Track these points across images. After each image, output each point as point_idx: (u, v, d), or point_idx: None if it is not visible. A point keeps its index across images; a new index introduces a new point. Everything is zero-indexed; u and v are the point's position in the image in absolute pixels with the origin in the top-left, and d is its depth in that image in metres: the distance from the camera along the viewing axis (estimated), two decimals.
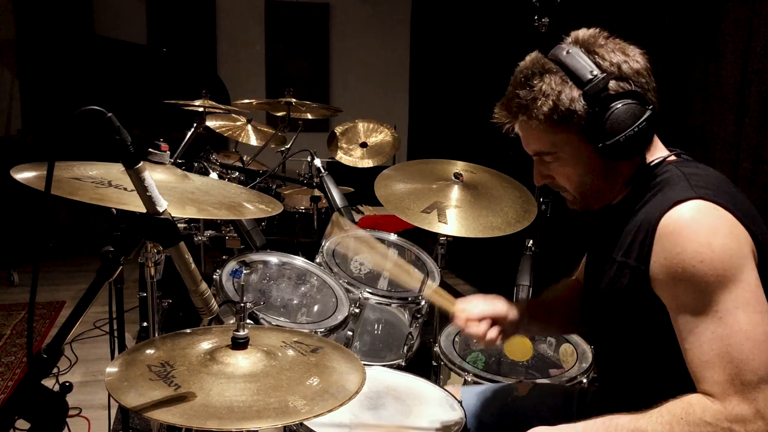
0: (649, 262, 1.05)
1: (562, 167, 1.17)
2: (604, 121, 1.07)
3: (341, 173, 3.24)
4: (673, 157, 1.16)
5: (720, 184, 1.08)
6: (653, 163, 1.15)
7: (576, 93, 1.09)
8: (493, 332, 1.34)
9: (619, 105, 1.07)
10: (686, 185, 1.06)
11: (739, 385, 0.97)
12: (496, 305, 1.36)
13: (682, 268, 1.00)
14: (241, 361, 1.07)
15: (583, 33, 1.15)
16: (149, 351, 1.13)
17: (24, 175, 1.11)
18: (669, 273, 1.03)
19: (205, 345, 1.14)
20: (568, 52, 1.10)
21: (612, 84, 1.08)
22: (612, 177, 1.17)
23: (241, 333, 1.10)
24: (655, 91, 1.13)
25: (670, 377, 1.06)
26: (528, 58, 1.17)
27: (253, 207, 1.32)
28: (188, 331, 1.23)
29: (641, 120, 1.08)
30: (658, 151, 1.18)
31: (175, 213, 1.03)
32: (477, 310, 1.34)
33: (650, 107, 1.09)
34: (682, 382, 1.03)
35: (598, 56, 1.10)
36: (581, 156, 1.14)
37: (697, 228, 1.01)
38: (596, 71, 1.08)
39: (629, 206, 1.15)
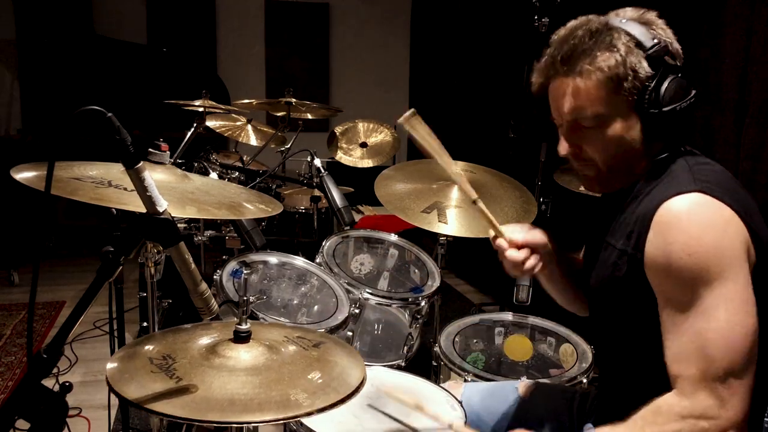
0: (644, 250, 1.06)
1: (600, 134, 1.10)
2: (659, 89, 1.05)
3: (341, 173, 3.24)
4: (681, 150, 1.15)
5: (725, 179, 1.08)
6: (662, 156, 1.14)
7: (641, 56, 1.06)
8: (533, 260, 1.24)
9: (673, 78, 1.06)
10: (689, 177, 1.06)
11: (709, 380, 0.98)
12: (536, 235, 1.27)
13: (671, 260, 1.00)
14: (243, 355, 1.07)
15: (634, 9, 1.13)
16: (150, 345, 1.13)
17: (24, 175, 1.11)
18: (658, 263, 1.03)
19: (207, 339, 1.14)
20: (625, 21, 1.09)
21: (667, 58, 1.08)
22: (645, 156, 1.13)
23: (243, 327, 1.10)
24: None
25: (665, 370, 1.06)
26: (581, 19, 1.13)
27: (253, 207, 1.32)
28: (189, 326, 1.23)
29: (690, 97, 1.07)
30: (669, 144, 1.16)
31: (175, 213, 1.03)
32: (520, 237, 1.25)
33: (695, 90, 1.08)
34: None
35: (653, 29, 1.09)
36: (629, 124, 1.09)
37: (691, 221, 1.00)
38: (657, 39, 1.07)
39: (636, 194, 1.14)
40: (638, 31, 1.07)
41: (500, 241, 1.26)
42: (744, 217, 1.01)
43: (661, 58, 1.06)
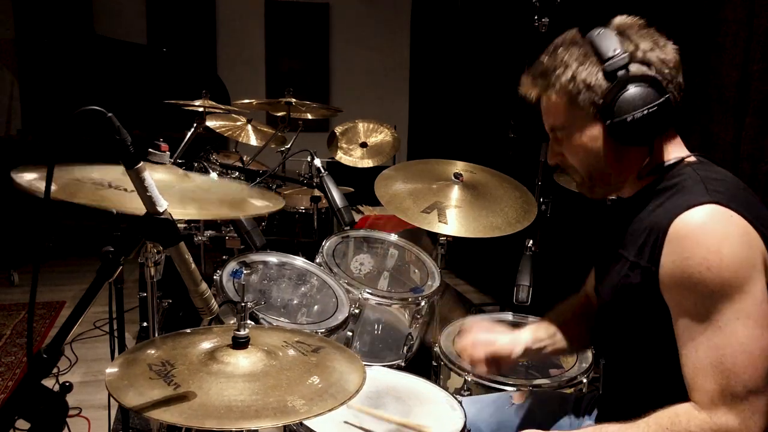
0: (659, 264, 1.05)
1: (573, 145, 1.16)
2: (616, 99, 1.08)
3: (341, 173, 3.24)
4: (692, 159, 1.15)
5: (736, 189, 1.07)
6: (670, 163, 1.14)
7: (596, 68, 1.10)
8: (482, 368, 1.43)
9: (633, 86, 1.07)
10: (702, 189, 1.05)
11: (728, 396, 0.97)
12: (500, 347, 1.41)
13: (689, 274, 1.00)
14: (242, 361, 1.07)
15: (621, 18, 1.16)
16: (150, 350, 1.13)
17: (24, 178, 1.10)
18: (675, 277, 1.02)
19: (206, 344, 1.14)
20: (599, 33, 1.12)
21: (633, 67, 1.09)
22: (621, 164, 1.15)
23: (242, 333, 1.10)
24: (680, 88, 1.12)
25: (674, 382, 1.05)
26: (564, 33, 1.19)
27: (255, 202, 1.32)
28: (189, 331, 1.23)
29: (652, 105, 1.07)
30: (677, 151, 1.16)
31: (177, 212, 1.03)
32: (480, 353, 1.42)
33: (666, 96, 1.08)
34: (684, 389, 1.03)
35: (626, 39, 1.11)
36: (592, 134, 1.13)
37: (707, 234, 1.00)
38: (619, 50, 1.09)
39: (643, 204, 1.14)
40: (605, 43, 1.10)
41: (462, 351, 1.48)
42: (758, 227, 1.01)
43: (620, 70, 1.08)
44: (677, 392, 1.04)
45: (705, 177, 1.08)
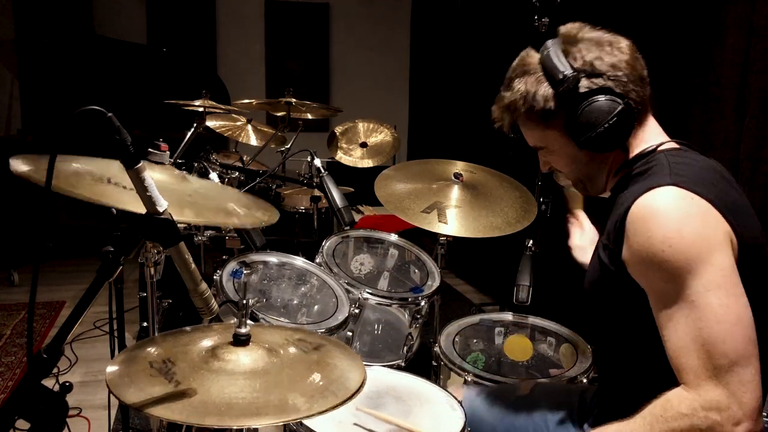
0: (622, 246, 1.07)
1: (555, 158, 1.26)
2: (578, 119, 1.14)
3: (341, 173, 3.24)
4: (668, 146, 1.17)
5: (704, 173, 1.08)
6: (643, 152, 1.17)
7: (550, 92, 1.15)
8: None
9: (588, 104, 1.13)
10: (665, 173, 1.07)
11: (711, 370, 0.96)
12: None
13: (653, 253, 1.01)
14: (243, 358, 1.07)
15: (566, 28, 1.19)
16: (151, 348, 1.13)
17: (22, 168, 1.09)
18: (640, 258, 1.04)
19: (207, 342, 1.14)
20: (546, 53, 1.16)
21: (583, 82, 1.13)
22: (600, 165, 1.23)
23: (243, 330, 1.10)
24: (640, 81, 1.15)
25: (663, 368, 1.05)
26: (517, 58, 1.24)
27: (250, 216, 1.32)
28: (189, 329, 1.23)
29: (612, 115, 1.12)
30: (652, 139, 1.19)
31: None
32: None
33: (624, 101, 1.12)
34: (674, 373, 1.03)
35: (571, 56, 1.15)
36: (567, 148, 1.21)
37: (667, 214, 1.01)
38: (568, 71, 1.13)
39: (615, 194, 1.19)
40: (553, 64, 1.14)
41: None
42: (721, 209, 1.02)
43: (571, 91, 1.13)
44: (668, 376, 1.03)
45: (673, 162, 1.10)
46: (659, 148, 1.16)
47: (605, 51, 1.14)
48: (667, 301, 1.01)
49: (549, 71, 1.15)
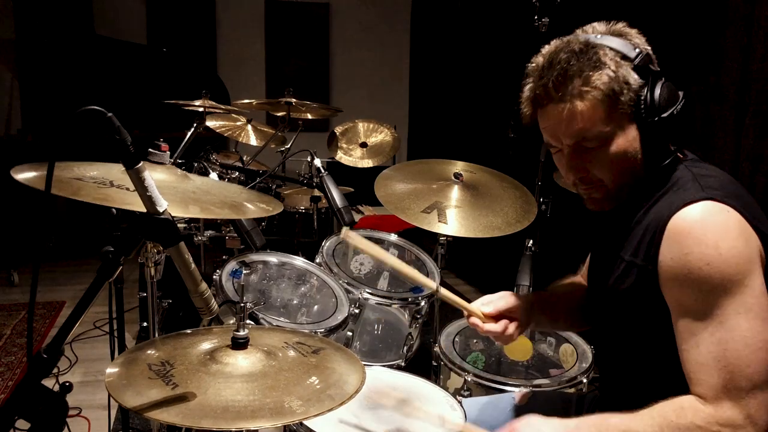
0: (657, 262, 1.05)
1: (605, 152, 1.09)
2: (655, 97, 1.06)
3: (341, 173, 3.23)
4: (682, 155, 1.15)
5: (730, 185, 1.08)
6: (665, 163, 1.13)
7: (628, 67, 1.06)
8: (512, 328, 1.30)
9: (664, 82, 1.07)
10: (697, 186, 1.05)
11: (732, 390, 0.97)
12: (509, 300, 1.32)
13: (689, 270, 1.00)
14: (241, 361, 1.07)
15: (602, 24, 1.14)
16: (150, 350, 1.13)
17: (25, 175, 1.10)
18: (675, 274, 1.02)
19: (206, 345, 1.14)
20: (601, 37, 1.09)
21: (651, 66, 1.09)
22: (642, 166, 1.12)
23: (241, 333, 1.10)
24: None
25: (670, 379, 1.06)
26: (555, 43, 1.12)
27: (254, 207, 1.32)
28: (189, 331, 1.23)
29: (681, 100, 1.08)
30: (666, 148, 1.14)
31: (178, 213, 1.03)
32: (491, 309, 1.31)
33: (683, 91, 1.09)
34: (682, 384, 1.03)
35: (629, 39, 1.10)
36: (628, 137, 1.09)
37: (705, 230, 1.00)
38: (638, 48, 1.08)
39: (638, 204, 1.14)
40: (618, 44, 1.08)
41: (474, 320, 1.31)
42: (752, 221, 1.01)
43: (647, 67, 1.07)
44: (672, 387, 1.03)
45: (698, 174, 1.09)
46: (677, 158, 1.13)
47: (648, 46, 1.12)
48: (694, 318, 1.01)
49: (617, 48, 1.07)
